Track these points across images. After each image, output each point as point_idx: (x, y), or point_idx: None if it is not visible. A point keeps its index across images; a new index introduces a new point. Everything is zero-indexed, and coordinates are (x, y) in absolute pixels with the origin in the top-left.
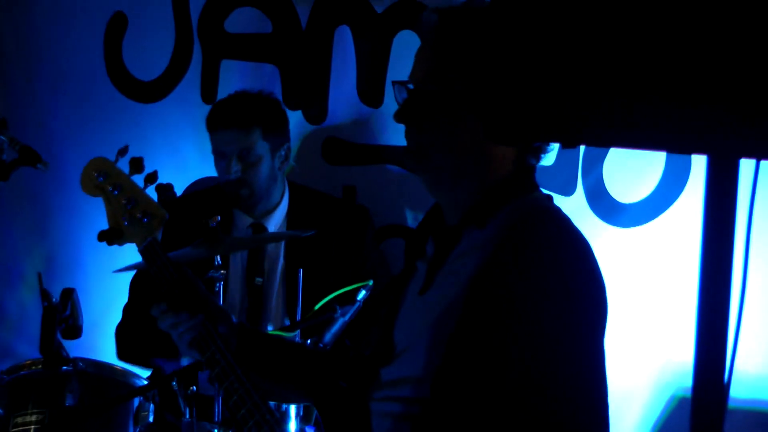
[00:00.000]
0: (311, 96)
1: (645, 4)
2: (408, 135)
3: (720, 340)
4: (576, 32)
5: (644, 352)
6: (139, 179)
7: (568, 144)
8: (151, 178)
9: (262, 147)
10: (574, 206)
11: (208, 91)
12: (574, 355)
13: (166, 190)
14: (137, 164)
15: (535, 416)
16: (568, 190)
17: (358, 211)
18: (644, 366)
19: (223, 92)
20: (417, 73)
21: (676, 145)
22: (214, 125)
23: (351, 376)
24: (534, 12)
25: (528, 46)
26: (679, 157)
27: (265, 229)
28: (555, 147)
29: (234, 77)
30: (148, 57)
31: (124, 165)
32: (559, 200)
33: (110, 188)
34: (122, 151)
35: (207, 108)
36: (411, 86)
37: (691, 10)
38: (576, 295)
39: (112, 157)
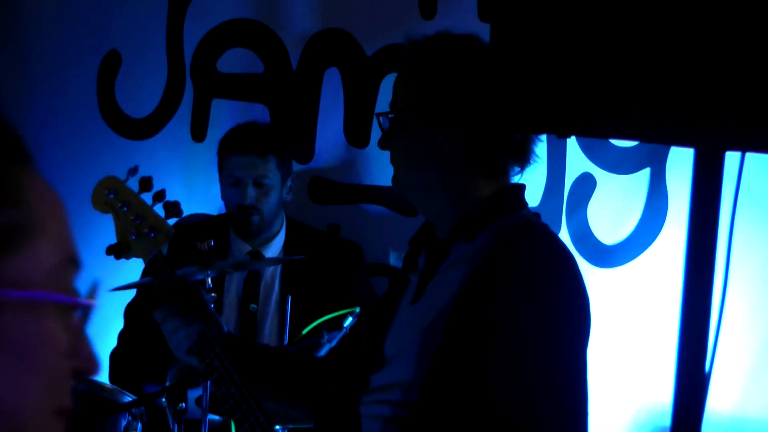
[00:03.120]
0: (299, 136)
1: (637, 2)
2: (391, 160)
3: (700, 356)
4: (569, 32)
5: (623, 391)
6: (147, 197)
7: (563, 134)
8: (159, 196)
9: (275, 176)
10: None
11: (198, 129)
12: (555, 367)
13: (173, 207)
14: (146, 183)
15: (516, 427)
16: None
17: (353, 248)
18: (623, 406)
19: (213, 130)
20: (394, 100)
21: (663, 137)
22: (231, 149)
23: (341, 381)
24: (534, 14)
25: (528, 46)
26: (658, 197)
27: (262, 257)
28: (530, 166)
29: (224, 116)
30: (140, 95)
31: (133, 183)
32: None
33: (119, 205)
34: (132, 171)
35: (196, 146)
36: (391, 115)
37: (680, 7)
38: (558, 308)
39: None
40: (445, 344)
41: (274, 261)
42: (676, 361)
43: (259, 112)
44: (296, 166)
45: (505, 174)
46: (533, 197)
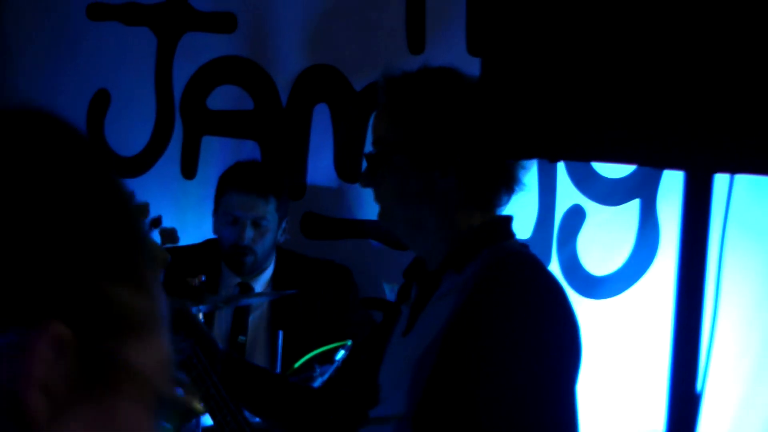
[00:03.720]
0: (290, 172)
1: (625, 27)
2: (375, 197)
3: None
4: (559, 59)
5: (614, 423)
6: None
7: (554, 158)
8: (156, 222)
9: (273, 218)
10: None
11: (188, 167)
12: (546, 397)
13: (169, 233)
14: (142, 210)
15: None
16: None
17: (341, 271)
18: None
19: (203, 168)
20: (377, 138)
21: (653, 160)
22: (232, 187)
23: (338, 412)
24: (523, 44)
25: (518, 74)
26: (649, 228)
27: (251, 289)
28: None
29: (215, 153)
30: (129, 133)
31: None
32: None
33: None
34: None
35: (187, 183)
36: (370, 151)
37: (668, 33)
38: (547, 337)
39: None
40: (435, 376)
41: (265, 295)
42: (668, 386)
43: (249, 149)
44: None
45: (495, 204)
46: (524, 229)
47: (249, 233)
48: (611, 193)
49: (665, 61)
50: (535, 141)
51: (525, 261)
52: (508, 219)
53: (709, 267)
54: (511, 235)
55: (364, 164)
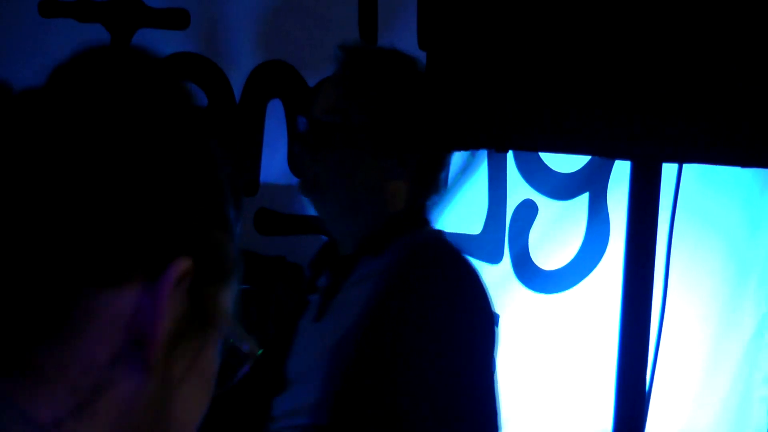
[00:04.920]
0: (244, 168)
1: (571, 18)
2: (306, 165)
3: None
4: (505, 50)
5: (563, 418)
6: None
7: (501, 148)
8: None
9: None
10: (501, 274)
11: None
12: (464, 383)
13: None
14: None
15: None
16: (495, 258)
17: (293, 268)
18: None
19: None
20: (319, 105)
21: (599, 149)
22: None
23: (243, 409)
24: (469, 25)
25: (464, 66)
26: (599, 222)
27: None
28: (445, 186)
29: None
30: None
31: None
32: (486, 268)
33: None
34: None
35: None
36: (313, 118)
37: (613, 22)
38: (464, 325)
39: None
40: (355, 362)
41: None
42: (616, 382)
43: None
44: (242, 199)
45: (434, 195)
46: (475, 223)
47: None
48: (562, 188)
49: (610, 52)
50: (482, 131)
51: (442, 248)
52: (427, 205)
53: (658, 258)
54: (427, 222)
55: (305, 126)
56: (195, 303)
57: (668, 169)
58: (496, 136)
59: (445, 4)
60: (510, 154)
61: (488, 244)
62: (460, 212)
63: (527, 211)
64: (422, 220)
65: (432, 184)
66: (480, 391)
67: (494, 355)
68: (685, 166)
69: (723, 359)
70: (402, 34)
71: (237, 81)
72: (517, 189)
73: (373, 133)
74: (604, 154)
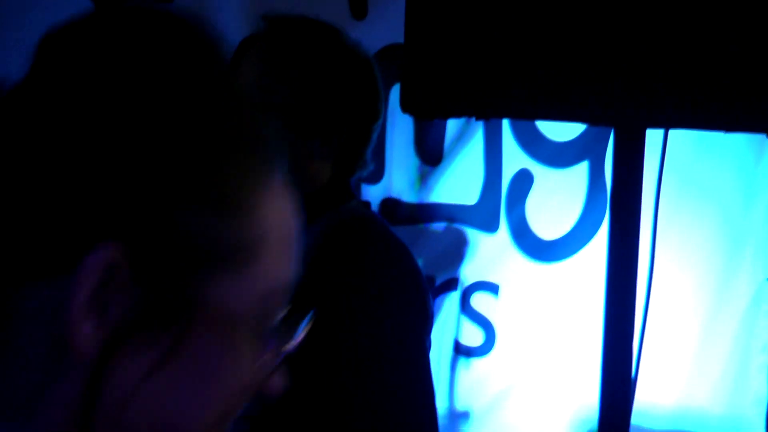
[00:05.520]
0: None
1: None
2: None
3: (626, 349)
4: (483, 15)
5: (562, 389)
6: None
7: (481, 116)
8: None
9: None
10: (499, 243)
11: None
12: (398, 364)
13: None
14: None
15: (361, 419)
16: (491, 228)
17: None
18: (562, 404)
19: None
20: (244, 81)
21: (581, 116)
22: None
23: None
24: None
25: (442, 24)
26: (598, 190)
27: None
28: (370, 162)
29: None
30: None
31: None
32: (483, 238)
33: None
34: None
35: None
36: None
37: None
38: (393, 298)
39: None
40: None
41: None
42: (602, 354)
43: None
44: None
45: (358, 171)
46: (471, 194)
47: None
48: (559, 156)
49: (592, 16)
50: (462, 98)
51: (366, 223)
52: (349, 178)
53: (645, 228)
54: (352, 196)
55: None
56: (156, 294)
57: (656, 136)
58: (477, 103)
59: None
60: (506, 123)
61: (485, 214)
62: (456, 182)
63: (524, 180)
64: (347, 195)
65: (357, 161)
66: (414, 370)
67: (425, 328)
68: (675, 133)
69: (720, 328)
70: (393, 3)
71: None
72: (514, 158)
73: (294, 112)
74: (583, 120)
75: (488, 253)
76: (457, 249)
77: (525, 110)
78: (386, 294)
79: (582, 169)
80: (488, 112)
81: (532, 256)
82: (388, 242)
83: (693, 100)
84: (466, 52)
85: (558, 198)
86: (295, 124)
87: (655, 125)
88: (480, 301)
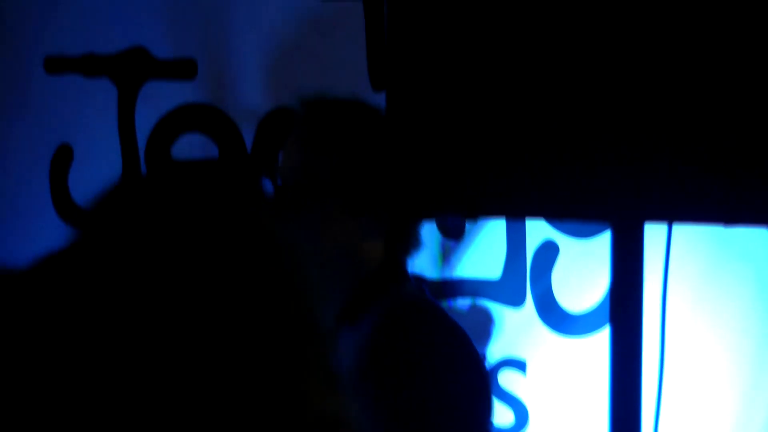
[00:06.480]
0: None
1: (541, 66)
2: None
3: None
4: (470, 107)
5: None
6: None
7: (471, 215)
8: None
9: None
10: (524, 318)
11: None
12: None
13: None
14: None
15: None
16: (517, 302)
17: None
18: None
19: None
20: (284, 166)
21: (575, 213)
22: None
23: None
24: (432, 89)
25: (430, 122)
26: None
27: None
28: (423, 242)
29: None
30: (95, 188)
31: None
32: (508, 313)
33: None
34: None
35: None
36: (278, 180)
37: (585, 71)
38: (458, 387)
39: None
40: None
41: None
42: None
43: None
44: None
45: (409, 254)
46: (494, 267)
47: None
48: (583, 225)
49: (581, 107)
50: (450, 197)
51: (425, 309)
52: (401, 261)
53: (652, 329)
54: (406, 278)
55: (270, 188)
56: None
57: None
58: (460, 202)
59: (407, 46)
60: None
61: (509, 288)
62: (478, 256)
63: (548, 251)
64: (401, 277)
65: (408, 239)
66: None
67: (491, 418)
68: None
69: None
70: None
71: (248, 130)
72: (538, 229)
73: (341, 192)
74: (576, 218)
75: (514, 329)
76: (483, 327)
77: (516, 209)
78: (450, 384)
79: (607, 239)
80: (478, 211)
81: (559, 330)
82: (446, 327)
83: (693, 192)
84: (452, 149)
85: (585, 269)
86: (342, 204)
87: (653, 219)
88: (508, 379)
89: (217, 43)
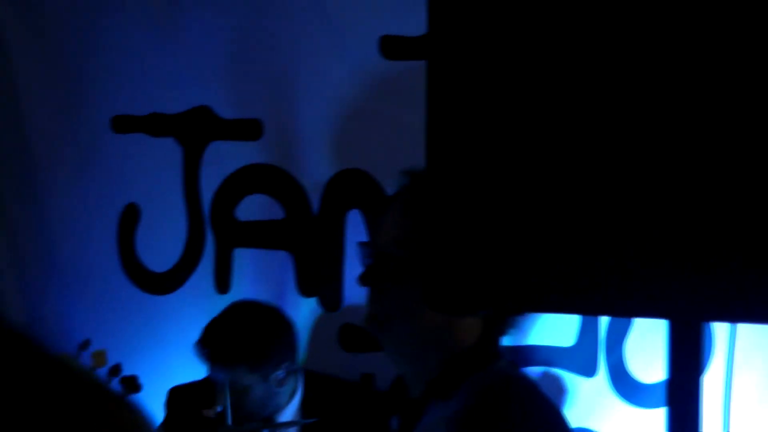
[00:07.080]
0: (325, 282)
1: (588, 168)
2: (372, 300)
3: None
4: (514, 199)
5: None
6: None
7: (512, 311)
8: (115, 370)
9: (249, 378)
10: (597, 387)
11: (221, 281)
12: None
13: (130, 381)
14: (100, 357)
15: None
16: (590, 371)
17: (378, 397)
18: None
19: (237, 281)
20: (385, 236)
21: (631, 309)
22: (200, 355)
23: None
24: (474, 181)
25: (469, 214)
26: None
27: (272, 419)
28: (523, 321)
29: (247, 265)
30: (161, 248)
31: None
32: (581, 382)
33: None
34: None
35: (220, 299)
36: (378, 250)
37: (635, 156)
38: None
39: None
40: None
41: (285, 425)
42: None
43: (282, 260)
44: (325, 314)
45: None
46: (567, 336)
47: (227, 399)
48: None
49: (637, 196)
50: (491, 292)
51: (516, 387)
52: (494, 340)
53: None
54: (499, 356)
55: (369, 258)
56: None
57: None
58: (501, 297)
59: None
60: None
61: (582, 357)
62: (552, 324)
63: (622, 321)
64: (494, 355)
65: (507, 320)
66: None
67: None
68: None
69: None
70: None
71: (314, 191)
72: None
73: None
74: (627, 315)
75: (586, 398)
76: (556, 396)
77: (563, 304)
78: None
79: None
80: (520, 307)
81: (631, 401)
82: (537, 405)
83: (752, 292)
84: (491, 242)
85: (657, 339)
86: None
87: (714, 318)
88: None
89: (282, 104)
